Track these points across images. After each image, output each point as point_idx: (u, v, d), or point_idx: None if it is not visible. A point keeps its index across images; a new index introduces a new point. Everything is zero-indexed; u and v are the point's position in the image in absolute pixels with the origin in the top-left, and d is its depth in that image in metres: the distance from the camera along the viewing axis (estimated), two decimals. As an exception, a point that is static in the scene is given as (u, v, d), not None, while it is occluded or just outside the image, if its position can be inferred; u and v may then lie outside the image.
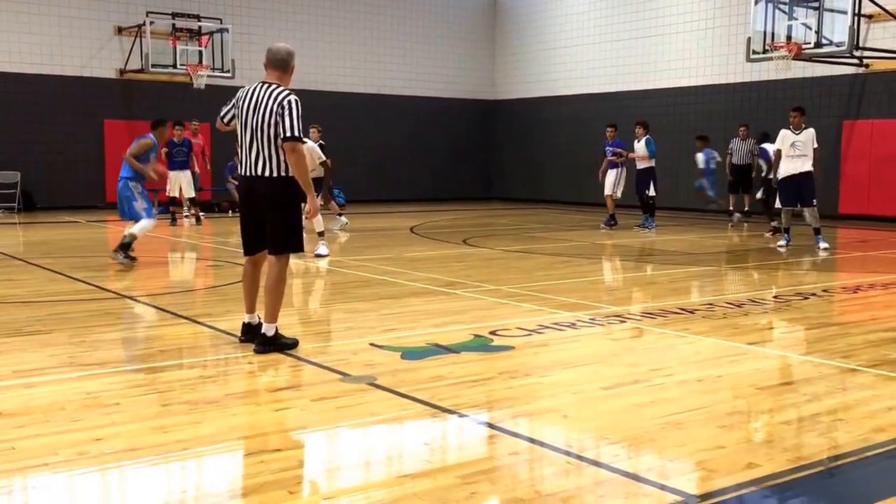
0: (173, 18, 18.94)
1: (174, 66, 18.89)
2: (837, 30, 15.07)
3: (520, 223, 16.63)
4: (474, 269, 9.93)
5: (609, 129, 15.69)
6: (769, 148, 14.15)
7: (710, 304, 7.47)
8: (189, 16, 19.26)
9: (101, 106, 19.23)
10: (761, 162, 14.99)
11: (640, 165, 15.32)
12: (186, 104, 19.49)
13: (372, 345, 5.78)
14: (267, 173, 5.39)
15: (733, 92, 18.85)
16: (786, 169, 11.80)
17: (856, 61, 16.40)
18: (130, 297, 7.62)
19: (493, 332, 6.16)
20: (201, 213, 17.81)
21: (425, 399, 4.49)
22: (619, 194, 15.41)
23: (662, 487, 3.33)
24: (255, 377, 5.03)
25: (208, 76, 19.04)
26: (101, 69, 19.28)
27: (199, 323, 6.51)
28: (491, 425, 4.21)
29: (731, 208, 16.95)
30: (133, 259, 9.67)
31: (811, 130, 11.81)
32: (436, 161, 23.70)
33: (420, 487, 3.33)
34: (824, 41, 15.28)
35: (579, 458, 3.67)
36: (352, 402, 4.47)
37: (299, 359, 5.36)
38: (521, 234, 14.76)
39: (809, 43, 15.44)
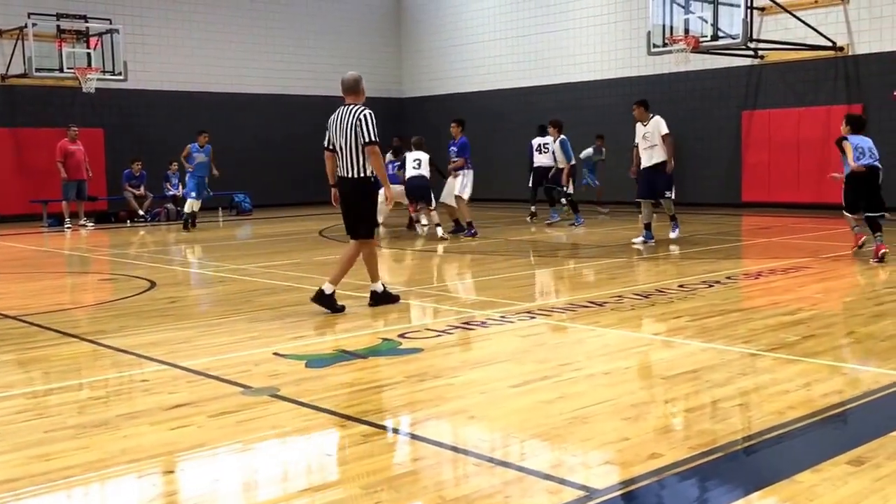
0: (57, 19, 17.93)
1: (61, 70, 17.86)
2: (733, 23, 15.53)
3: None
4: (385, 270, 9.78)
5: (453, 125, 14.01)
6: (535, 142, 15.52)
7: (619, 297, 7.52)
8: (75, 16, 18.25)
9: (-18, 114, 18.25)
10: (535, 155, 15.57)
11: (560, 165, 15.12)
12: (76, 109, 18.65)
13: (276, 354, 5.60)
14: (349, 175, 7.01)
15: (637, 85, 19.16)
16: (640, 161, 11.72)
17: (751, 53, 16.93)
18: (15, 318, 7.18)
19: (402, 335, 6.05)
20: (91, 223, 17.13)
21: (330, 408, 4.34)
22: (466, 196, 13.93)
23: (567, 483, 3.27)
24: (149, 395, 4.78)
25: (98, 79, 18.20)
26: (-20, 75, 18.30)
27: (90, 341, 6.18)
28: (397, 431, 4.11)
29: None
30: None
31: (657, 118, 11.64)
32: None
33: (323, 500, 3.21)
34: (721, 34, 15.69)
35: (487, 459, 3.59)
36: (253, 415, 4.29)
37: (197, 373, 5.13)
38: (431, 232, 14.64)
39: (706, 36, 15.84)
